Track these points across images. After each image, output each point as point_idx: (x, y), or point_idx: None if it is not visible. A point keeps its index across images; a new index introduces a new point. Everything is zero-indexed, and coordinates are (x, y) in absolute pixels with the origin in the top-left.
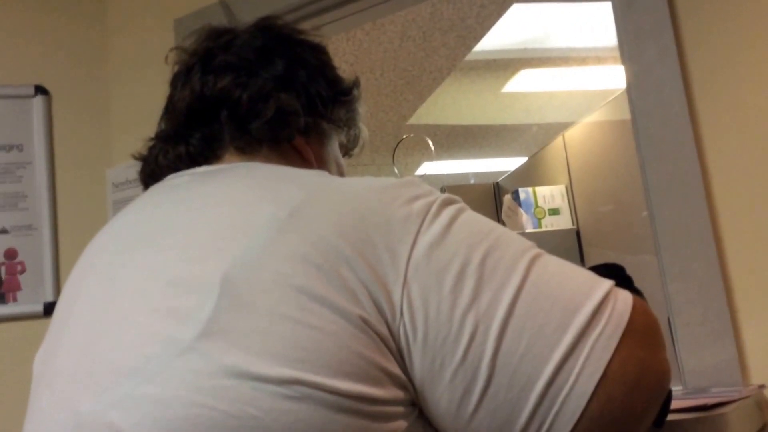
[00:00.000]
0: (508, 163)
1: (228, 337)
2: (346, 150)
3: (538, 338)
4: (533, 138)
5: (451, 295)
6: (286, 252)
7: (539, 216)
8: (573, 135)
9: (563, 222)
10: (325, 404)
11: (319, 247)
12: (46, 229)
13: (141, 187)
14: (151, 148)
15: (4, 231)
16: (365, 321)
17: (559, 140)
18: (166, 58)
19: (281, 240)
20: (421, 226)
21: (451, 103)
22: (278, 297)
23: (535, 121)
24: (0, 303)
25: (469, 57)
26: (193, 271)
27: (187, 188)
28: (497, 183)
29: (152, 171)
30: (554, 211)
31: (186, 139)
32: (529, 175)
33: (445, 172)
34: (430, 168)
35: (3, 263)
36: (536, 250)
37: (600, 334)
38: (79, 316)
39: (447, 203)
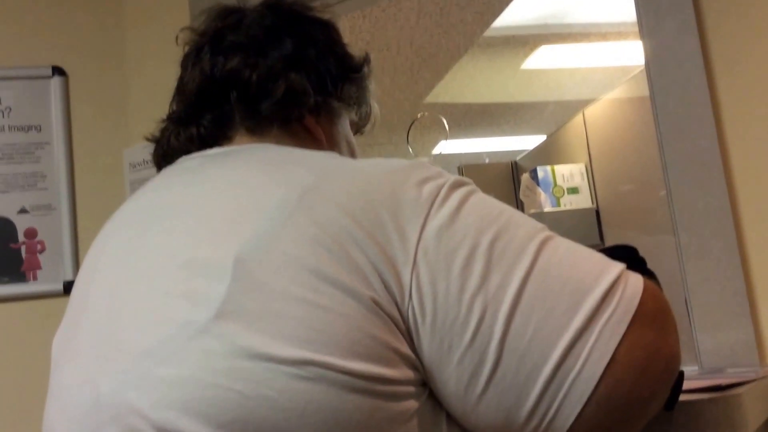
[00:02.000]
0: (527, 142)
1: (241, 318)
2: (358, 128)
3: (546, 322)
4: (552, 116)
5: (460, 279)
6: (297, 234)
7: (558, 195)
8: (593, 112)
9: (582, 201)
10: (338, 384)
11: (330, 229)
12: (65, 209)
13: (156, 170)
14: (163, 130)
15: (23, 211)
16: (376, 302)
17: (578, 118)
18: (177, 38)
19: (292, 222)
20: (430, 208)
21: (468, 81)
22: (290, 279)
23: (555, 98)
24: (21, 282)
25: (488, 33)
26: (205, 254)
27: (199, 171)
28: (515, 162)
29: (165, 153)
30: (573, 190)
31: (197, 121)
32: (547, 153)
33: (462, 152)
34: (446, 147)
35: (23, 242)
36: (547, 233)
37: (609, 317)
38: (96, 297)
39: (457, 185)
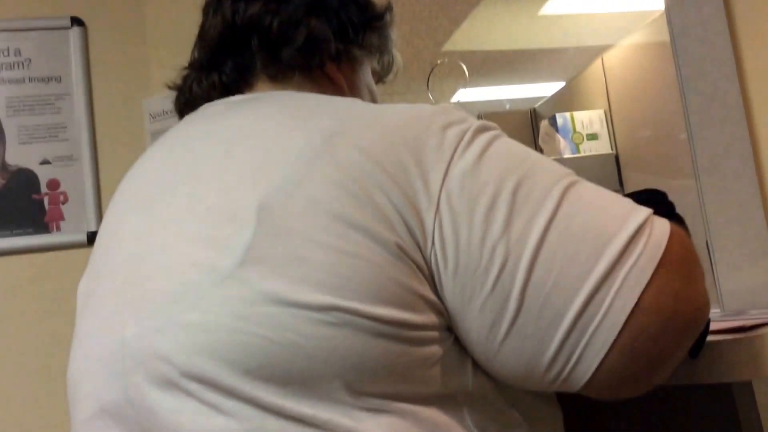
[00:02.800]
0: (545, 89)
1: (266, 264)
2: (379, 77)
3: (569, 269)
4: (571, 62)
5: (483, 225)
6: (321, 179)
7: (577, 141)
8: (612, 58)
9: (602, 147)
10: (363, 330)
11: (354, 174)
12: (87, 160)
13: (177, 118)
14: (185, 78)
15: (45, 162)
16: (401, 248)
17: (597, 64)
18: None
19: (316, 168)
20: (454, 153)
21: (486, 28)
22: (315, 224)
23: (573, 44)
24: (44, 232)
25: None
26: (229, 201)
27: (222, 118)
28: (534, 109)
29: (187, 100)
30: (592, 137)
31: (219, 68)
32: (566, 100)
33: (481, 99)
34: (465, 95)
35: (46, 194)
36: (572, 178)
37: (633, 264)
38: (121, 245)
39: (481, 130)
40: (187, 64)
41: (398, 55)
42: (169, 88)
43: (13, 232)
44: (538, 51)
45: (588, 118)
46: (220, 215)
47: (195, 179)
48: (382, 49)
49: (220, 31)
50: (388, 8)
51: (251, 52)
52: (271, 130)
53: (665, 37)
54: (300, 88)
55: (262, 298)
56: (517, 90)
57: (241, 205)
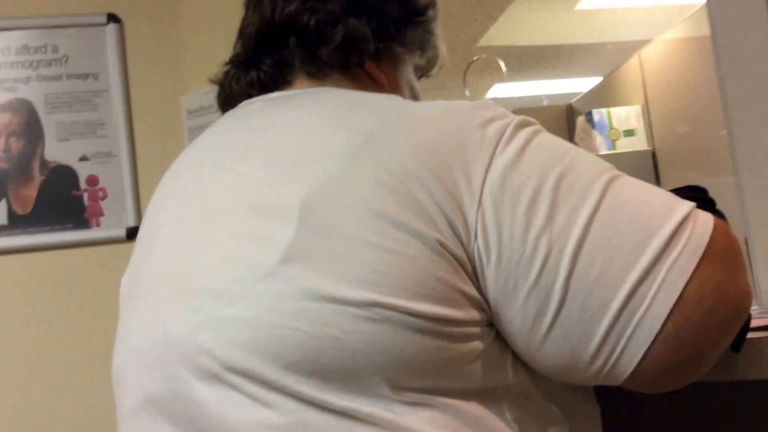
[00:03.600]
0: (581, 85)
1: (309, 261)
2: (423, 71)
3: (613, 260)
4: (607, 57)
5: (525, 218)
6: (362, 177)
7: (614, 137)
8: (650, 53)
9: (638, 143)
10: (403, 326)
11: (395, 172)
12: (125, 156)
13: (215, 114)
14: (226, 73)
15: (84, 158)
16: (442, 244)
17: (635, 59)
18: None
19: (357, 165)
20: (495, 148)
21: (522, 23)
22: (356, 221)
23: (610, 39)
24: (84, 228)
25: None
26: (272, 197)
27: (262, 114)
28: (570, 105)
29: (227, 96)
30: (629, 132)
31: (257, 65)
32: (603, 95)
33: (516, 95)
34: (500, 91)
35: (85, 190)
36: (614, 172)
37: (678, 256)
38: (163, 239)
39: (522, 125)
40: (228, 60)
41: (443, 48)
42: (212, 82)
43: (54, 227)
44: (574, 46)
45: (625, 114)
46: (262, 212)
47: (236, 176)
48: (425, 44)
49: (258, 29)
50: (431, 3)
51: (289, 50)
52: (312, 128)
53: (705, 31)
54: (339, 85)
55: (303, 294)
56: (552, 85)
57: (283, 202)
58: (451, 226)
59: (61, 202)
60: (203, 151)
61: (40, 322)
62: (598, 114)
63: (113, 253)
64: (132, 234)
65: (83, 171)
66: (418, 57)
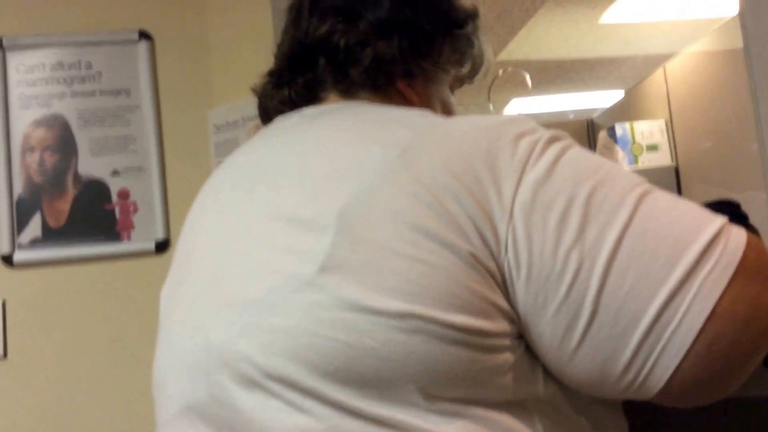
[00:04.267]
0: (603, 99)
1: (345, 272)
2: (466, 79)
3: (644, 275)
4: (630, 71)
5: (556, 232)
6: (397, 190)
7: (636, 153)
8: (674, 66)
9: (662, 159)
10: (437, 337)
11: (429, 185)
12: (155, 170)
13: (241, 129)
14: (264, 86)
15: (116, 173)
16: (474, 256)
17: (659, 72)
18: None
19: (392, 179)
20: (526, 163)
21: (543, 37)
22: (391, 233)
23: (634, 52)
24: (116, 241)
25: None
26: (309, 210)
27: (298, 129)
28: (591, 120)
29: (264, 109)
30: (652, 147)
31: (289, 84)
32: (625, 110)
33: (536, 110)
34: (520, 105)
35: (117, 203)
36: (646, 186)
37: (710, 270)
38: (202, 251)
39: (553, 140)
40: (267, 72)
41: (489, 53)
42: (253, 91)
43: (86, 240)
44: (596, 60)
45: (648, 129)
46: (300, 224)
47: (274, 188)
48: (465, 55)
49: (290, 48)
50: (473, 15)
51: (321, 69)
52: (347, 142)
53: (731, 45)
54: (370, 101)
55: (340, 304)
56: (574, 99)
57: (320, 214)
58: (483, 239)
59: (94, 216)
60: (242, 165)
61: (73, 332)
62: (620, 128)
63: (143, 266)
64: (161, 247)
65: (115, 185)
66: (454, 71)
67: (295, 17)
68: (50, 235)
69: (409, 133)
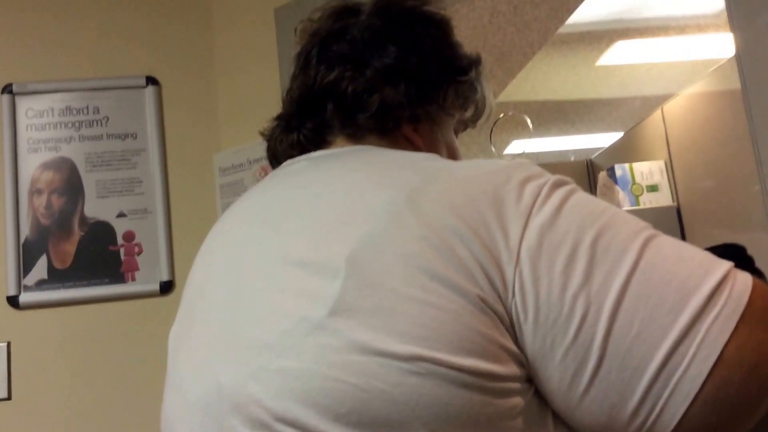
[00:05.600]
0: (602, 140)
1: (355, 315)
2: (470, 123)
3: (651, 320)
4: (629, 112)
5: (563, 276)
6: (406, 234)
7: (637, 193)
8: (672, 108)
9: (662, 199)
10: (448, 380)
11: (437, 229)
12: (160, 213)
13: (247, 171)
14: (273, 129)
15: (122, 215)
16: (483, 300)
17: (657, 114)
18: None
19: (400, 223)
20: (532, 207)
21: (542, 79)
22: (401, 277)
23: (632, 94)
24: (120, 282)
25: (562, 30)
26: (319, 254)
27: (306, 173)
28: (590, 160)
29: (273, 153)
30: (653, 188)
31: (298, 128)
32: (624, 151)
33: (536, 151)
34: (519, 147)
35: (122, 245)
36: (651, 231)
37: (717, 316)
38: (212, 292)
39: (558, 185)
40: (276, 116)
41: (491, 98)
42: (262, 135)
43: (91, 282)
44: (594, 101)
45: (648, 169)
46: (310, 267)
47: (284, 232)
48: (468, 101)
49: (299, 94)
50: (475, 62)
51: (329, 115)
52: (355, 185)
53: (730, 85)
54: (377, 145)
55: (351, 348)
56: (571, 141)
57: (330, 258)
58: (491, 283)
59: (99, 257)
60: (251, 208)
61: (77, 373)
62: (620, 169)
63: (147, 307)
64: (165, 288)
65: (120, 227)
66: (459, 115)
67: (304, 64)
68: (56, 277)
69: (416, 177)
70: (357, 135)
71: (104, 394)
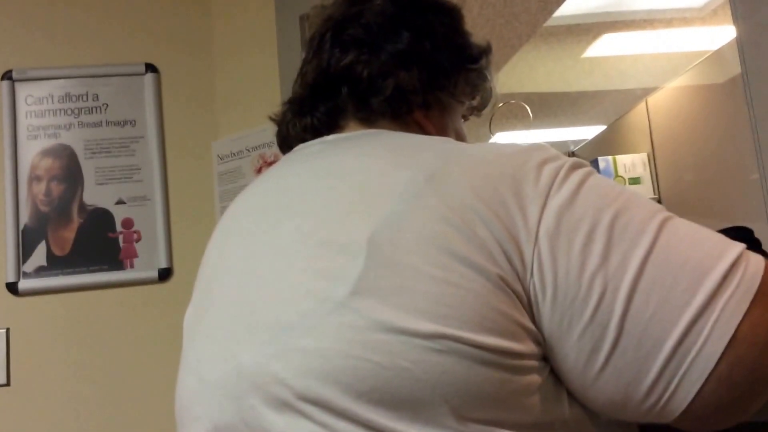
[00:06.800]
0: (584, 132)
1: (377, 294)
2: (475, 110)
3: (667, 300)
4: (612, 105)
5: (580, 257)
6: (426, 214)
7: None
8: (657, 100)
9: (644, 191)
10: (469, 357)
11: (457, 209)
12: (159, 200)
13: (245, 159)
14: (284, 113)
15: (120, 202)
16: (503, 279)
17: (641, 106)
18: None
19: (421, 203)
20: (550, 188)
21: (528, 71)
22: (422, 256)
23: (616, 86)
24: (118, 269)
25: (549, 23)
26: (339, 234)
27: (322, 156)
28: (573, 152)
29: (284, 137)
30: (635, 180)
31: (311, 112)
32: (607, 143)
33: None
34: (504, 139)
35: (121, 232)
36: (666, 213)
37: (731, 296)
38: (229, 276)
39: (575, 167)
40: (287, 100)
41: (495, 89)
42: (271, 120)
43: (90, 268)
44: (579, 93)
45: (631, 162)
46: (330, 248)
47: (301, 213)
48: (477, 89)
49: (314, 77)
50: (486, 50)
51: (343, 98)
52: (374, 167)
53: (714, 79)
54: (389, 129)
55: (373, 326)
56: (553, 133)
57: (350, 238)
58: (510, 262)
59: (98, 244)
60: (267, 192)
61: (76, 360)
62: (603, 161)
63: (146, 294)
64: (164, 275)
65: (119, 214)
66: (468, 102)
67: (317, 48)
68: (55, 264)
69: (435, 158)
70: (370, 119)
71: (103, 381)
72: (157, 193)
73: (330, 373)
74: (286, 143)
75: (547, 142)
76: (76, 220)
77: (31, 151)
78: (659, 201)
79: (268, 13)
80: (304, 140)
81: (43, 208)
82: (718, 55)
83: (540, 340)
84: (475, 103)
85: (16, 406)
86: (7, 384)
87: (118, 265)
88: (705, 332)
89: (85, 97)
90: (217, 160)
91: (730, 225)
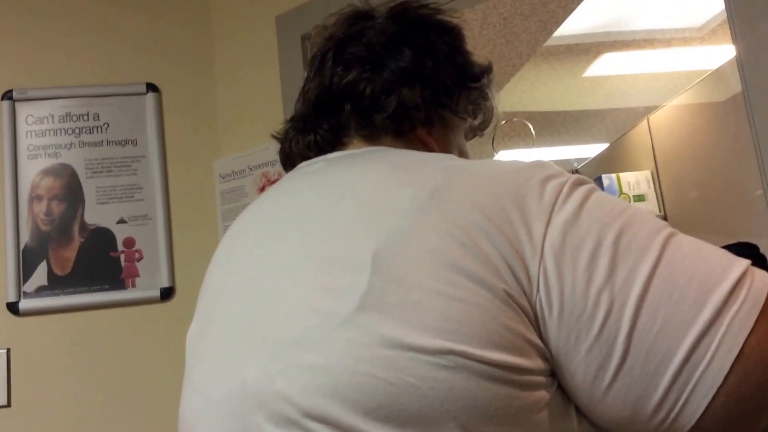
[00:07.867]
0: (587, 151)
1: (383, 310)
2: (478, 130)
3: (674, 315)
4: (614, 123)
5: (586, 273)
6: (430, 230)
7: None
8: (658, 118)
9: (650, 208)
10: (477, 373)
11: (461, 225)
12: (161, 219)
13: (248, 178)
14: (286, 131)
15: (122, 221)
16: (509, 294)
17: (643, 125)
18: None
19: (425, 219)
20: (554, 204)
21: (529, 90)
22: (427, 272)
23: (618, 105)
24: (120, 289)
25: (549, 42)
26: (344, 250)
27: (325, 173)
28: (576, 170)
29: (287, 155)
30: (640, 198)
31: (314, 129)
32: (610, 161)
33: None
34: (507, 156)
35: (122, 251)
36: (671, 230)
37: (737, 311)
38: (232, 292)
39: (578, 183)
40: (289, 118)
41: (498, 108)
42: (274, 137)
43: (91, 288)
44: (581, 112)
45: (635, 179)
46: (335, 264)
47: (306, 230)
48: (479, 107)
49: (317, 95)
50: (488, 69)
51: (345, 115)
52: (378, 183)
53: (715, 97)
54: (392, 146)
55: (379, 342)
56: (557, 151)
57: (355, 254)
58: (515, 277)
59: (99, 264)
60: (270, 209)
61: (77, 380)
62: (607, 179)
63: (147, 313)
64: (165, 294)
65: (120, 233)
66: (470, 120)
67: (319, 66)
68: (56, 283)
69: (438, 175)
70: (373, 136)
71: (104, 401)
72: (158, 212)
73: (336, 389)
74: (288, 160)
75: (550, 161)
76: (77, 240)
77: (31, 170)
78: (665, 218)
79: (270, 33)
80: (307, 157)
81: (44, 228)
82: (718, 74)
83: (547, 355)
84: (476, 122)
85: (17, 428)
86: (8, 405)
87: (120, 285)
88: (713, 347)
89: (86, 117)
90: (219, 179)
91: (735, 241)
